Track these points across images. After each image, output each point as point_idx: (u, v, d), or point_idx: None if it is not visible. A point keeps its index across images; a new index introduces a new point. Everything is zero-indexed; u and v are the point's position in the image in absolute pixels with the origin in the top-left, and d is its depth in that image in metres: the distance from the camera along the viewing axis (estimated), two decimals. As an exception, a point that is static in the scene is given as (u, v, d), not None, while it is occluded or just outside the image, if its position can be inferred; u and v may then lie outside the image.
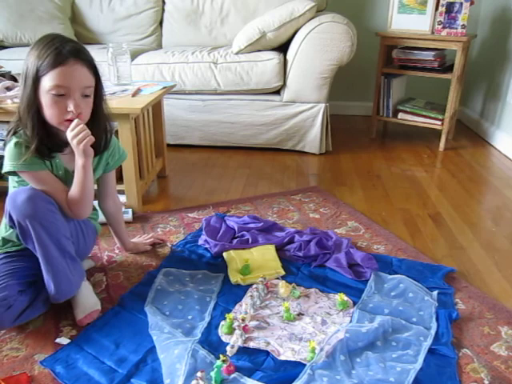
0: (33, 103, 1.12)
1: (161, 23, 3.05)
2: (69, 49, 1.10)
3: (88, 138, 1.15)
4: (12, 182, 1.23)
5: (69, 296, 1.22)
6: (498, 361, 1.11)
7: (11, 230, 1.21)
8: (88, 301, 1.25)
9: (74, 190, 1.20)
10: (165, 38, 3.04)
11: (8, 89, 1.74)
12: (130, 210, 1.77)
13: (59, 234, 1.16)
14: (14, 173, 1.17)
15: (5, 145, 1.17)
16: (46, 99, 1.11)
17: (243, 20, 2.80)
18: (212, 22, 2.93)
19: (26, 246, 1.17)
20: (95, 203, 1.39)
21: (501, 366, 1.09)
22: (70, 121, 1.13)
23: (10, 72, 1.94)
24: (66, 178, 1.24)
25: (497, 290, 1.39)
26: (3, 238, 1.25)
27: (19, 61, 2.54)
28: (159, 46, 3.04)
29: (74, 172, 1.23)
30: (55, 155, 1.21)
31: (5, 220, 1.20)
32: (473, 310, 1.29)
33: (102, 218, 1.48)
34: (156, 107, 2.09)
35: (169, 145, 2.38)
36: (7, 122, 1.75)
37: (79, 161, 1.18)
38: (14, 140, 1.15)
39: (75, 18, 3.06)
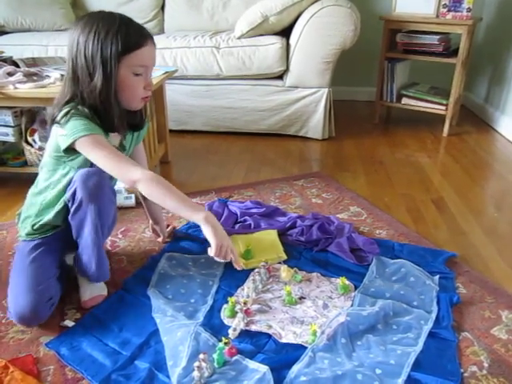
0: (115, 83, 1.11)
1: (162, 8, 3.03)
2: (144, 28, 1.13)
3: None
4: (52, 174, 1.19)
5: (106, 278, 1.27)
6: (497, 344, 1.12)
7: (52, 215, 1.20)
8: (95, 284, 1.27)
9: (163, 201, 1.12)
10: (167, 23, 3.01)
11: (9, 74, 1.73)
12: (132, 196, 1.78)
13: (106, 224, 1.20)
14: (73, 151, 1.11)
15: (52, 124, 1.13)
16: (126, 78, 1.12)
17: (245, 4, 2.77)
18: (214, 7, 2.90)
19: (70, 221, 1.17)
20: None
21: (501, 349, 1.10)
22: (143, 98, 1.18)
23: (11, 57, 1.94)
24: None
25: (498, 275, 1.40)
26: (34, 225, 1.23)
27: (20, 46, 2.55)
28: (161, 31, 3.01)
29: (120, 146, 1.25)
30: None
31: (39, 201, 1.22)
32: (474, 294, 1.30)
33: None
34: (158, 92, 2.08)
35: (171, 130, 2.38)
36: (8, 107, 1.77)
37: (201, 215, 1.10)
38: (77, 114, 1.10)
39: (76, 2, 3.04)
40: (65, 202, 1.19)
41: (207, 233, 1.10)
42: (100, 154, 1.09)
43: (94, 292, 1.25)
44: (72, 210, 1.16)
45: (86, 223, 1.16)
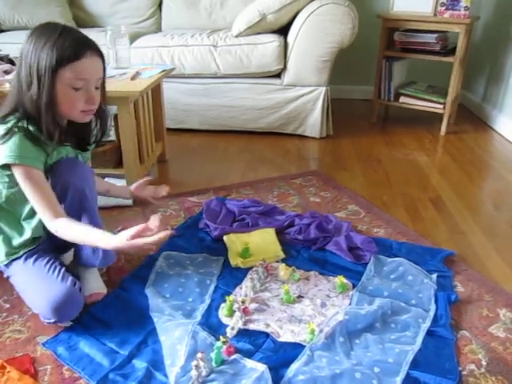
0: (53, 96, 1.08)
1: (160, 6, 3.02)
2: (85, 40, 1.09)
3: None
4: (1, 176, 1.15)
5: (114, 260, 1.30)
6: (495, 342, 1.12)
7: (35, 224, 1.19)
8: (95, 282, 1.27)
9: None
10: (164, 21, 3.00)
11: (6, 72, 1.72)
12: (130, 194, 1.77)
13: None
14: (7, 167, 1.09)
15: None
16: (63, 91, 1.08)
17: (243, 2, 2.76)
18: (212, 5, 2.89)
19: (69, 213, 1.16)
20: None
21: (498, 347, 1.10)
22: (85, 112, 1.14)
23: (8, 55, 1.93)
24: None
25: (496, 273, 1.40)
26: (10, 243, 1.20)
27: (17, 44, 2.52)
28: (158, 29, 3.01)
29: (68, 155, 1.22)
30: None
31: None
32: (472, 292, 1.30)
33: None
34: (155, 91, 2.07)
35: (169, 129, 2.37)
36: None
37: (111, 243, 1.07)
38: (20, 133, 1.08)
39: (73, 0, 3.02)
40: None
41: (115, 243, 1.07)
42: (31, 190, 1.08)
43: (93, 289, 1.24)
44: (67, 204, 1.16)
45: (85, 210, 1.18)
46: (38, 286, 1.14)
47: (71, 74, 1.07)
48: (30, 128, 1.10)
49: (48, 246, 1.24)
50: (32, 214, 1.19)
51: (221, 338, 1.07)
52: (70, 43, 1.06)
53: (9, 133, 1.08)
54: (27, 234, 1.20)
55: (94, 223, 1.18)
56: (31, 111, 1.09)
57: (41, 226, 1.20)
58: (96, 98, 1.14)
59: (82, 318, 1.18)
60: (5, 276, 1.25)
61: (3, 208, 1.18)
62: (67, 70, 1.06)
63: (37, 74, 1.06)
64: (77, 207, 1.18)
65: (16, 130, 1.08)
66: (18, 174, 1.09)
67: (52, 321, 1.13)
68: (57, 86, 1.07)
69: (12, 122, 1.09)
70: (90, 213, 1.20)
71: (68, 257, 1.35)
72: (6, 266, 1.22)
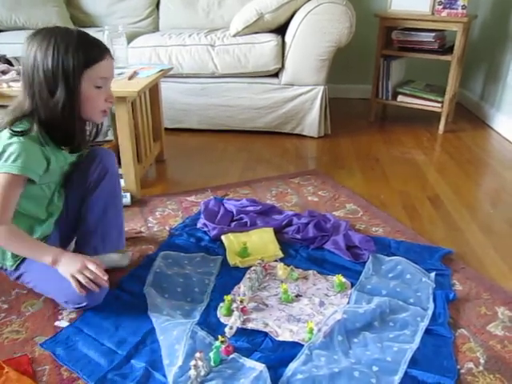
0: (79, 96, 1.11)
1: (157, 5, 3.02)
2: (101, 42, 1.16)
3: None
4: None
5: (123, 245, 1.37)
6: (494, 340, 1.12)
7: (46, 224, 1.23)
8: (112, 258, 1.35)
9: (21, 250, 1.16)
10: (162, 21, 3.00)
11: (3, 72, 1.72)
12: (128, 194, 1.77)
13: None
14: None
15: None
16: (88, 91, 1.12)
17: (241, 1, 2.76)
18: (209, 4, 2.89)
19: (92, 201, 1.27)
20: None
21: (497, 345, 1.10)
22: (104, 111, 1.20)
23: (5, 56, 1.92)
24: (67, 169, 1.27)
25: (494, 272, 1.40)
26: None
27: (14, 44, 2.53)
28: (156, 29, 3.00)
29: (72, 163, 1.26)
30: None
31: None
32: (470, 290, 1.30)
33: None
34: (153, 91, 2.07)
35: (167, 129, 2.37)
36: (2, 106, 1.75)
37: (50, 258, 1.13)
38: (28, 140, 1.09)
39: (70, 0, 3.01)
40: (57, 206, 1.23)
41: (62, 273, 1.14)
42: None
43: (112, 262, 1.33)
44: (102, 187, 1.27)
45: (117, 196, 1.31)
46: (61, 275, 1.14)
47: (96, 73, 1.12)
48: (40, 133, 1.11)
49: (54, 241, 1.25)
50: (47, 216, 1.22)
51: (219, 337, 1.07)
52: (92, 45, 1.12)
53: (16, 134, 1.08)
54: (36, 235, 1.21)
55: (120, 209, 1.34)
56: (50, 117, 1.10)
57: (51, 224, 1.23)
58: (114, 96, 1.22)
59: (79, 319, 1.18)
60: (13, 278, 1.24)
61: (18, 212, 1.17)
62: (92, 69, 1.11)
63: (63, 77, 1.08)
64: (111, 191, 1.30)
65: (26, 134, 1.09)
66: (5, 176, 1.08)
67: (83, 304, 1.15)
68: (82, 86, 1.11)
69: (24, 125, 1.10)
70: (119, 199, 1.33)
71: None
72: (16, 268, 1.21)
